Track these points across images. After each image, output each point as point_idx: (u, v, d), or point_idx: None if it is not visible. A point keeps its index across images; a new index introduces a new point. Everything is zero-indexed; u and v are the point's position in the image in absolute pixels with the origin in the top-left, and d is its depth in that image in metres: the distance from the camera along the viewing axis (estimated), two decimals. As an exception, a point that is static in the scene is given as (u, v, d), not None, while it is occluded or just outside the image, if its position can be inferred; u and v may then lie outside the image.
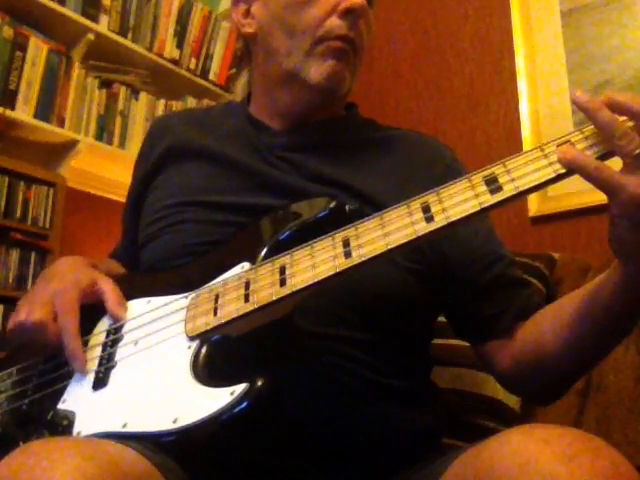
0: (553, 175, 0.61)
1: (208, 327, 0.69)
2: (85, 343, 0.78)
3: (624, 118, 0.59)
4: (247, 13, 0.95)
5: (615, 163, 0.60)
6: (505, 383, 0.87)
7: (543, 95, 1.76)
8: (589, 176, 0.59)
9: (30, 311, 0.76)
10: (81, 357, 0.74)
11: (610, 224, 0.63)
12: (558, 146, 0.62)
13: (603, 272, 0.71)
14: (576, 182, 0.63)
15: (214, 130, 0.96)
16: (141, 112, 2.38)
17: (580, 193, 1.53)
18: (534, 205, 1.68)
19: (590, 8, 1.72)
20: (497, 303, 0.83)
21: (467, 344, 0.89)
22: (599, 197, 0.63)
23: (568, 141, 0.62)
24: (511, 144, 1.77)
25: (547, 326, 0.78)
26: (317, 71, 0.86)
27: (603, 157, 0.60)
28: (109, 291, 0.80)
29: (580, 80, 1.70)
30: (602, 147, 0.60)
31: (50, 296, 0.77)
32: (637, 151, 0.57)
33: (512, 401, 1.15)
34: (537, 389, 0.83)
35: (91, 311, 0.79)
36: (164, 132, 1.00)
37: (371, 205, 0.80)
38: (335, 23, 0.86)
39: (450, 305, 0.88)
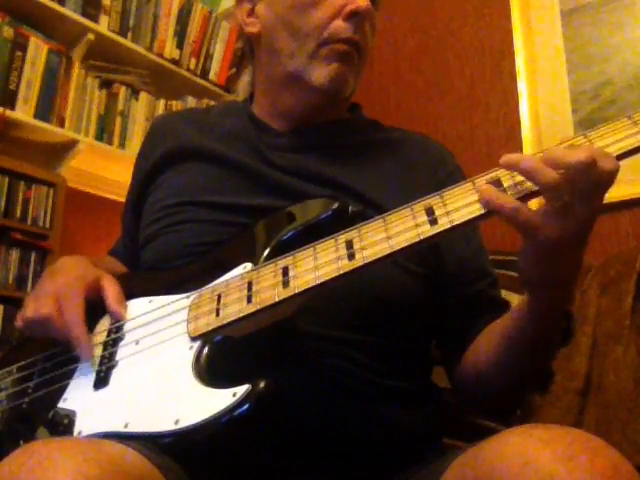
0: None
1: (210, 328, 0.69)
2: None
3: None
4: (251, 12, 0.94)
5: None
6: (456, 394, 0.90)
7: (543, 95, 1.76)
8: (507, 217, 0.61)
9: (36, 306, 0.77)
10: (86, 344, 0.75)
11: (519, 258, 0.66)
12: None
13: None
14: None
15: (215, 130, 0.96)
16: (141, 112, 2.38)
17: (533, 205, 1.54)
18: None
19: (590, 8, 1.72)
20: (468, 318, 0.86)
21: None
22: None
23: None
24: (511, 144, 1.77)
25: (482, 346, 0.82)
26: (321, 74, 0.86)
27: (529, 196, 0.62)
28: (110, 289, 0.80)
29: (580, 80, 1.70)
30: (527, 186, 0.62)
31: (55, 290, 0.78)
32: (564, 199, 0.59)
33: (512, 401, 1.15)
34: (477, 402, 0.88)
35: (92, 310, 0.79)
36: (165, 132, 1.00)
37: (372, 207, 0.80)
38: (340, 26, 0.86)
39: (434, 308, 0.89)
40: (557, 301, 0.70)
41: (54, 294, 0.77)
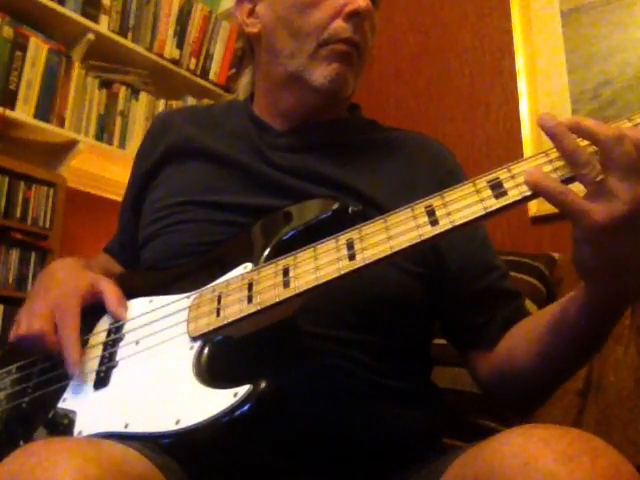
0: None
1: (210, 328, 0.69)
2: (85, 342, 0.78)
3: (587, 143, 0.60)
4: (251, 12, 0.94)
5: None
6: (484, 391, 0.88)
7: (543, 95, 1.76)
8: (553, 200, 0.60)
9: (30, 323, 0.76)
10: (78, 365, 0.73)
11: (573, 247, 0.64)
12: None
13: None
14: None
15: (216, 129, 0.96)
16: (141, 112, 2.38)
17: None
18: (534, 205, 1.67)
19: (590, 8, 1.72)
20: (483, 313, 0.84)
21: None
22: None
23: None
24: (511, 144, 1.77)
25: (519, 340, 0.80)
26: (321, 74, 0.86)
27: (567, 181, 0.61)
28: (109, 291, 0.80)
29: (580, 80, 1.70)
30: (566, 171, 0.61)
31: (49, 306, 0.77)
32: (598, 178, 0.59)
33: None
34: (509, 400, 0.85)
35: (92, 310, 0.79)
36: (166, 130, 0.99)
37: (373, 207, 0.80)
38: (340, 26, 0.86)
39: (440, 308, 0.88)
40: (621, 289, 0.66)
41: (48, 311, 0.76)
